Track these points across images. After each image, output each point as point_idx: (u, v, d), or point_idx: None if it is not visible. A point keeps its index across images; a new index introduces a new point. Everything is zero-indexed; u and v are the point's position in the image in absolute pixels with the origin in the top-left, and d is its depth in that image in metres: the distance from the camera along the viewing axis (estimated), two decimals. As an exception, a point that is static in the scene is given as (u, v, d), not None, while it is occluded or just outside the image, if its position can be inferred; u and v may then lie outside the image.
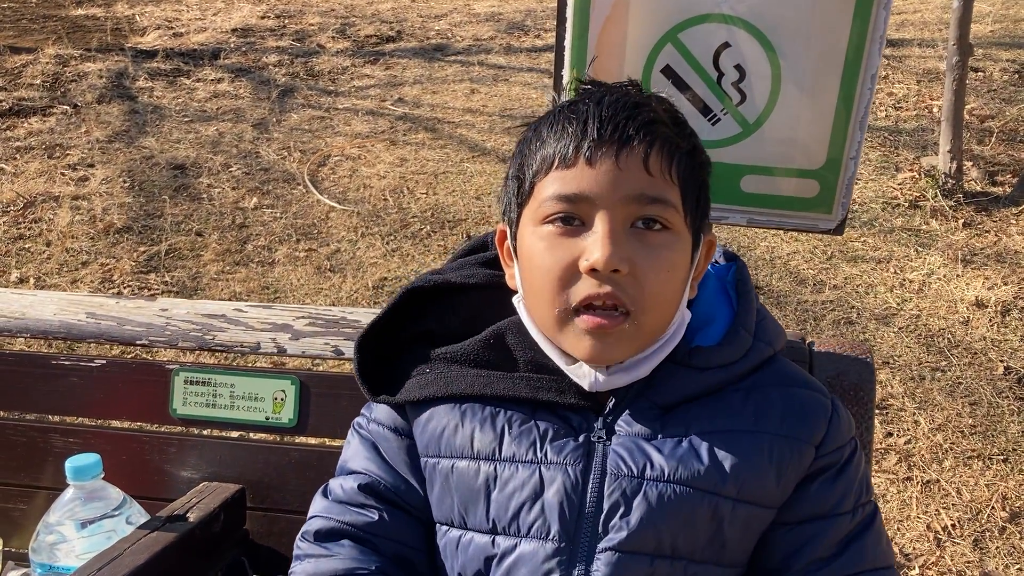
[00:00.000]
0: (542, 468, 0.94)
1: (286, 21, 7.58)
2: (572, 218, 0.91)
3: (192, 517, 1.30)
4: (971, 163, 4.02)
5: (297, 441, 1.43)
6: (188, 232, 3.89)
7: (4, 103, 5.41)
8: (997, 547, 2.30)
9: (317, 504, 1.06)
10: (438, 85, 5.75)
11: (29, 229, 3.93)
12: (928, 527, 2.36)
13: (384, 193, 4.28)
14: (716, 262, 1.14)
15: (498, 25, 7.19)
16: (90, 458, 1.29)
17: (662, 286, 0.92)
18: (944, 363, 2.93)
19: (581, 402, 0.98)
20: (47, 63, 6.25)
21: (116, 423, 1.51)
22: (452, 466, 0.99)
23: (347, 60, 6.30)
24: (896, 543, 2.31)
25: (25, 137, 4.92)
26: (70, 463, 1.28)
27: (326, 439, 1.43)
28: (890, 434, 2.66)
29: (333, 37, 6.89)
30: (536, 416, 0.98)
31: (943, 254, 3.48)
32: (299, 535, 1.05)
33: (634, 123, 0.91)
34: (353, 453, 1.07)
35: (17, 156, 4.65)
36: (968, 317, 3.12)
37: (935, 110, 4.66)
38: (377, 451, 1.05)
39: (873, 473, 2.46)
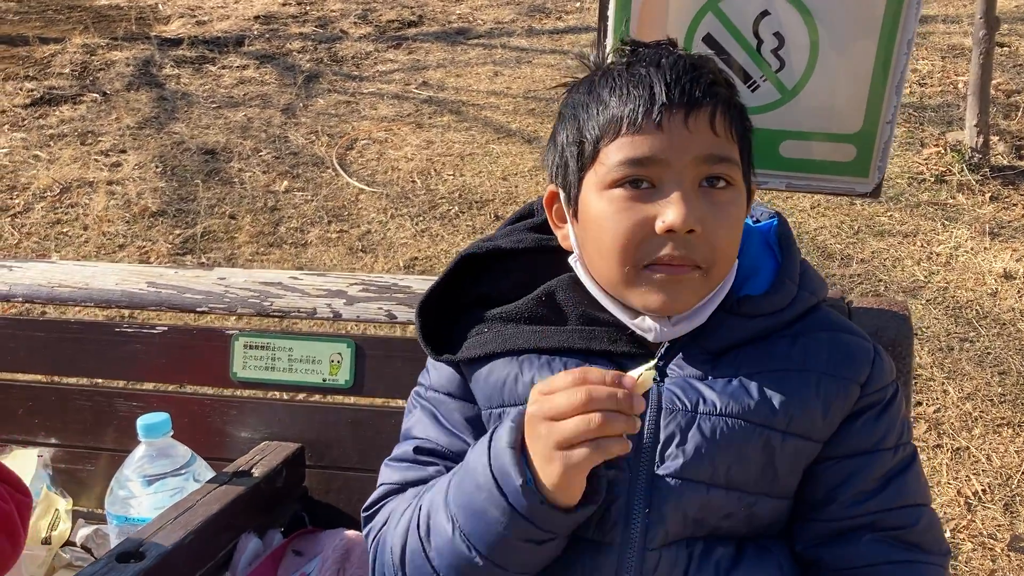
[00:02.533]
0: None
1: (307, 7, 7.62)
2: (641, 181, 0.94)
3: (256, 473, 1.36)
4: (997, 137, 4.02)
5: (353, 402, 1.48)
6: (221, 215, 3.96)
7: (35, 92, 5.50)
8: (1028, 511, 2.33)
9: (382, 474, 1.11)
10: (461, 68, 5.78)
11: (66, 214, 4.01)
12: (959, 492, 2.39)
13: (412, 175, 4.34)
14: (758, 220, 1.18)
15: (519, 8, 7.20)
16: (160, 416, 1.36)
17: (730, 241, 0.97)
18: (972, 334, 2.95)
19: (634, 350, 1.02)
20: (75, 52, 6.33)
21: (178, 387, 1.58)
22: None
23: (370, 45, 6.34)
24: (927, 508, 2.35)
25: (57, 125, 5.00)
26: (141, 421, 1.34)
27: (381, 399, 1.48)
28: (919, 403, 2.69)
29: (355, 23, 6.93)
30: (589, 363, 1.02)
31: (970, 227, 3.50)
32: (366, 505, 1.10)
33: (698, 85, 0.94)
34: (415, 421, 1.11)
35: (51, 143, 4.73)
36: (996, 289, 3.14)
37: (960, 86, 4.66)
38: (436, 417, 1.09)
39: (903, 441, 2.50)
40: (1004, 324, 2.98)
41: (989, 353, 2.87)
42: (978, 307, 3.07)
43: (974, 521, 2.31)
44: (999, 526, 2.29)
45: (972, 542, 2.25)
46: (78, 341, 1.60)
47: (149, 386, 1.69)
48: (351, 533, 1.36)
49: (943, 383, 2.76)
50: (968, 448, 2.53)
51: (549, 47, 6.08)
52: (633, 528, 0.95)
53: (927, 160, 4.00)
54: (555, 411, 0.84)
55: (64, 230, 3.88)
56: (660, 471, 0.95)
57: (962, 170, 3.83)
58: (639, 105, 0.93)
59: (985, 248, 3.37)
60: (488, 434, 0.93)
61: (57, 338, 1.60)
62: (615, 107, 0.95)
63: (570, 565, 0.97)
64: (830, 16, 1.38)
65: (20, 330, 1.62)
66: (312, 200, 4.12)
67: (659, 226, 0.92)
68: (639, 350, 1.02)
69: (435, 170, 4.37)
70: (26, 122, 5.07)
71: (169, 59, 6.13)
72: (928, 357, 2.86)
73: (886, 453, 1.03)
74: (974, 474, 2.45)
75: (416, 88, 5.47)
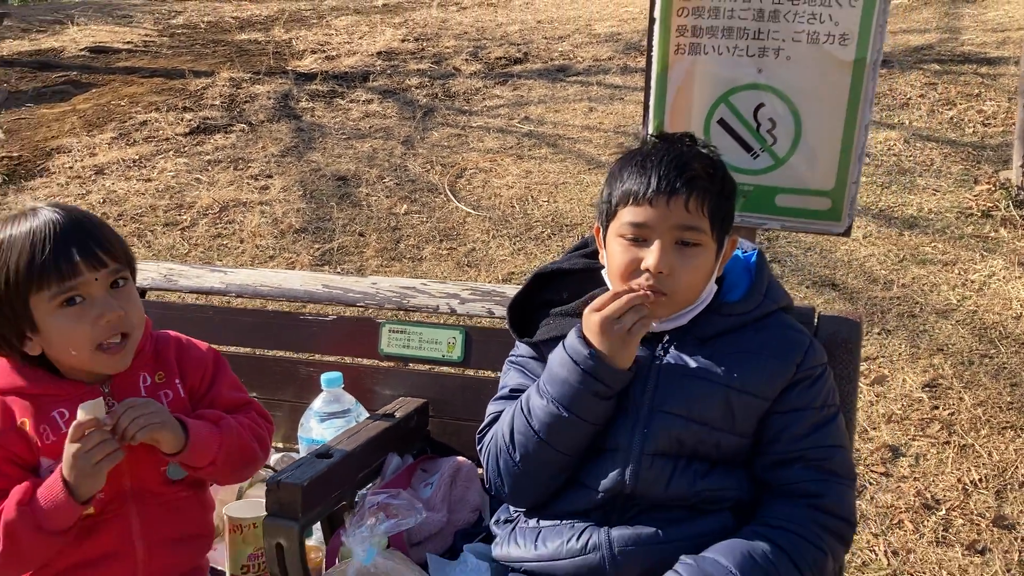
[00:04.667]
0: None
1: (424, 44, 8.39)
2: (637, 238, 1.53)
3: (397, 415, 1.99)
4: (1045, 177, 4.40)
5: (463, 372, 2.10)
6: (352, 233, 4.68)
7: (193, 122, 6.39)
8: (1015, 497, 2.78)
9: (488, 409, 1.72)
10: (560, 104, 6.42)
11: (225, 229, 4.80)
12: (959, 480, 2.86)
13: (512, 201, 4.98)
14: (746, 250, 1.75)
15: (616, 45, 7.80)
16: (336, 374, 2.01)
17: (689, 280, 1.53)
18: (993, 351, 3.39)
19: (647, 334, 1.61)
20: (223, 86, 7.24)
21: (341, 358, 2.22)
22: None
23: (479, 82, 7.04)
24: (929, 491, 2.83)
25: (213, 151, 5.86)
26: (325, 376, 2.00)
27: (483, 371, 2.10)
28: (936, 407, 3.16)
29: (466, 60, 7.65)
30: None
31: (1006, 259, 3.91)
32: (480, 429, 1.71)
33: (680, 179, 1.50)
34: (509, 377, 1.73)
35: (209, 168, 5.57)
36: (1021, 313, 3.56)
37: (1021, 126, 5.02)
38: (523, 371, 1.71)
39: (916, 437, 2.99)
40: (1023, 344, 3.41)
41: (1005, 367, 3.31)
42: (1001, 328, 3.50)
43: (967, 503, 2.78)
44: (988, 507, 2.76)
45: (963, 518, 2.72)
46: (272, 325, 2.27)
47: (320, 357, 2.34)
48: (460, 459, 1.97)
49: (960, 392, 3.22)
50: (973, 445, 2.99)
51: (640, 85, 6.64)
52: (635, 440, 1.53)
53: (977, 196, 4.41)
54: (602, 303, 1.49)
55: (224, 243, 4.67)
56: (656, 407, 1.54)
57: (1008, 206, 4.23)
58: (640, 188, 1.51)
59: (1017, 277, 3.78)
60: (561, 342, 1.54)
61: (257, 322, 2.28)
62: (628, 184, 1.54)
63: (597, 463, 1.56)
64: (808, 107, 1.94)
65: (232, 316, 2.31)
66: (427, 221, 4.81)
67: (643, 266, 1.51)
68: (650, 335, 1.61)
69: (532, 197, 5.01)
70: (186, 149, 5.95)
71: (304, 93, 6.96)
72: (950, 369, 3.32)
73: (814, 411, 1.58)
74: (975, 466, 2.91)
75: (518, 122, 6.13)
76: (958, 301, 3.69)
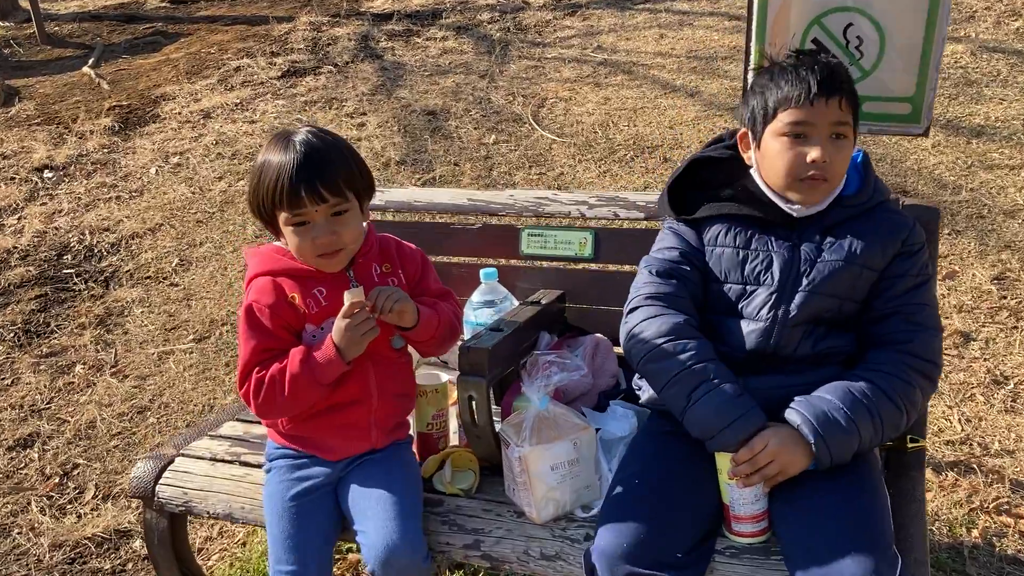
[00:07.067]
0: (773, 253, 1.92)
1: (489, -22, 8.62)
2: (799, 134, 1.84)
3: (543, 302, 2.38)
4: (1111, 81, 4.58)
5: (592, 267, 2.47)
6: (448, 163, 5.06)
7: (283, 66, 6.78)
8: (1076, 371, 3.11)
9: (640, 274, 2.06)
10: (630, 32, 6.66)
11: (330, 164, 5.21)
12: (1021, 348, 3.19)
13: (593, 127, 5.30)
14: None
15: (680, -29, 7.96)
16: (492, 269, 2.40)
17: (843, 168, 1.86)
18: (1057, 246, 3.67)
19: (781, 221, 1.95)
20: (305, 30, 7.60)
21: (488, 260, 2.61)
22: (722, 253, 1.97)
23: (549, 14, 7.30)
24: (998, 369, 3.16)
25: (307, 92, 6.25)
26: (483, 271, 2.39)
27: (610, 265, 2.47)
28: (1004, 296, 3.46)
29: (535, -8, 7.89)
30: (763, 229, 1.95)
31: (1070, 160, 4.15)
32: (629, 304, 2.06)
33: (834, 83, 1.81)
34: (665, 241, 2.03)
35: (306, 108, 5.97)
36: (1084, 210, 3.82)
37: (1088, 33, 5.17)
38: (677, 234, 2.02)
39: (985, 324, 3.31)
40: (1086, 238, 3.68)
41: (1069, 260, 3.59)
42: (1065, 225, 3.77)
43: (1033, 377, 3.11)
44: (1052, 381, 3.08)
45: (1028, 391, 3.06)
46: (426, 235, 2.66)
47: (468, 260, 2.74)
48: (599, 335, 2.36)
49: (1026, 282, 3.52)
50: (1038, 328, 3.30)
51: (708, 10, 6.85)
52: (779, 314, 1.87)
53: (1044, 104, 4.62)
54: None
55: (331, 176, 5.08)
56: (797, 288, 1.87)
57: (1072, 112, 4.44)
58: (801, 92, 1.81)
59: (1081, 177, 4.02)
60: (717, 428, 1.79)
61: (414, 233, 2.67)
62: (787, 91, 1.83)
63: (743, 329, 1.90)
64: (891, 25, 2.24)
65: (390, 229, 2.70)
66: (515, 150, 5.16)
67: (809, 158, 1.82)
68: (783, 223, 1.94)
69: (612, 122, 5.31)
70: (282, 91, 6.34)
71: (382, 33, 7.29)
72: (1017, 264, 3.61)
73: (911, 277, 1.91)
74: (1039, 347, 3.23)
75: (592, 51, 6.40)
76: (1024, 201, 3.96)
